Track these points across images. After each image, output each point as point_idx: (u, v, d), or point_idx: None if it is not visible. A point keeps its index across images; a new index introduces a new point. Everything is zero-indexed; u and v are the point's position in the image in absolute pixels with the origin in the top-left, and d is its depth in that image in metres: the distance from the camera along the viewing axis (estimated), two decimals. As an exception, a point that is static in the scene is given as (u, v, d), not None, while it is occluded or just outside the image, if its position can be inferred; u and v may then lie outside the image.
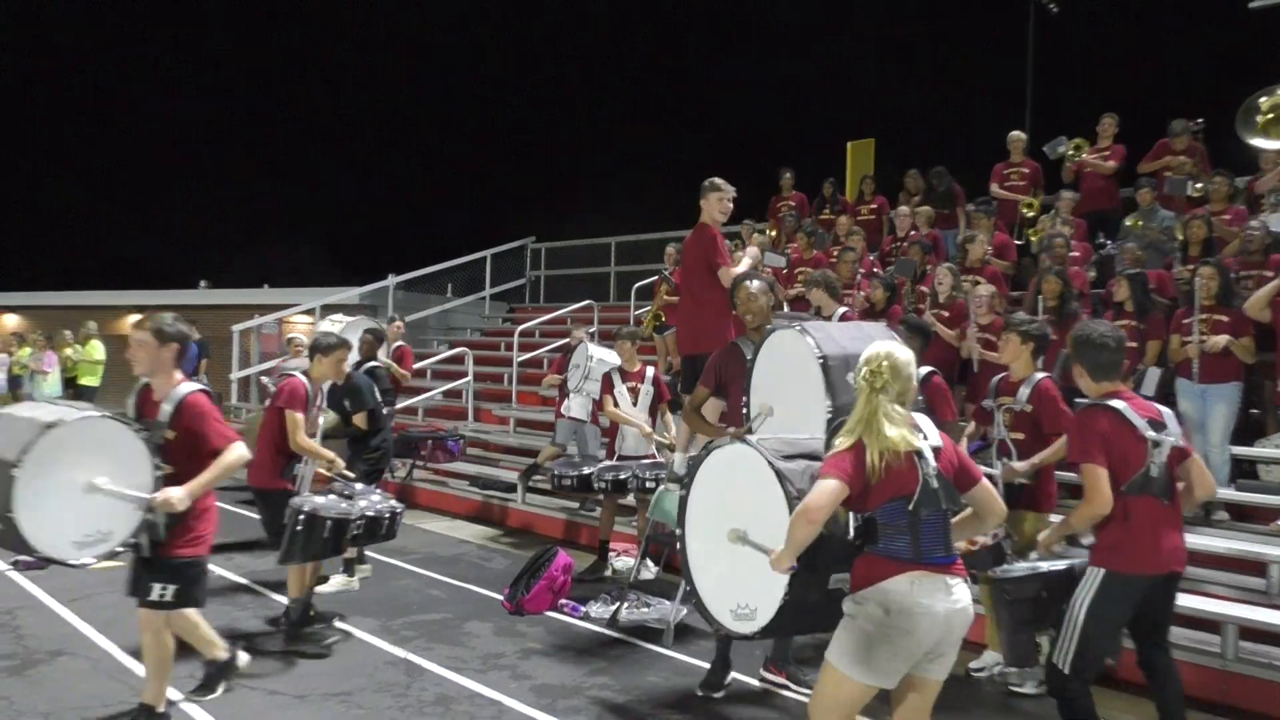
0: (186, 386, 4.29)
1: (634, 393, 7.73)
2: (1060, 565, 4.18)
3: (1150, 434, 3.93)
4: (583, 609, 6.56)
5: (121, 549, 4.05)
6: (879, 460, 3.17)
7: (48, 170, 38.68)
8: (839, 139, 14.88)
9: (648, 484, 7.19)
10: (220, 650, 4.74)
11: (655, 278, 12.25)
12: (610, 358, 8.02)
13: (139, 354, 4.25)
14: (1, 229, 37.82)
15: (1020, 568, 4.29)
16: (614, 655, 5.74)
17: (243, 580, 7.15)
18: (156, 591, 4.19)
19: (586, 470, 7.64)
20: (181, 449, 4.18)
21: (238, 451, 4.24)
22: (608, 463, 7.58)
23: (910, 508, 3.18)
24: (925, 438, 3.30)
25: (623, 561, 7.80)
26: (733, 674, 5.17)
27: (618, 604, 6.41)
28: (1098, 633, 3.92)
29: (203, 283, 23.08)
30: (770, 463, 3.43)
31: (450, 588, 7.23)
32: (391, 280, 15.70)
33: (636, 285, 14.01)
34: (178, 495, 4.03)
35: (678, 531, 3.90)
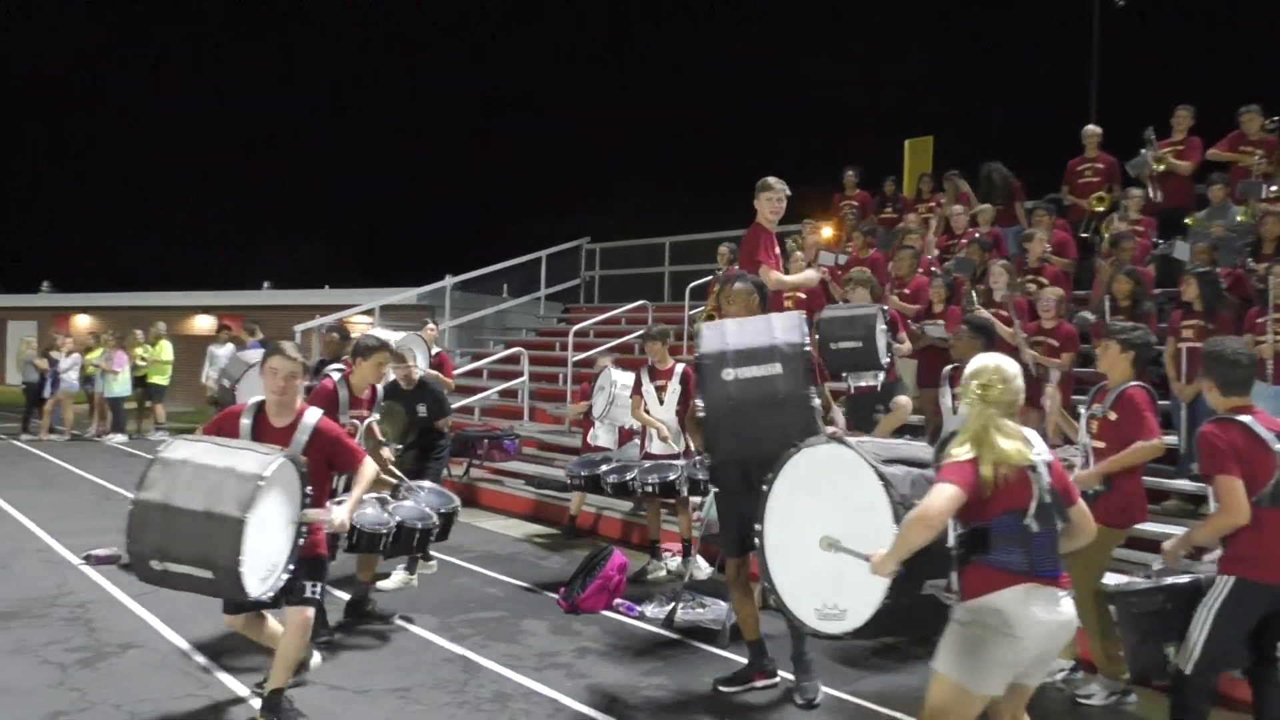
0: (313, 414, 4.53)
1: (661, 391, 7.69)
2: (1184, 579, 4.18)
3: (1278, 446, 3.97)
4: (638, 609, 6.56)
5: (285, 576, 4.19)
6: (994, 473, 3.20)
7: (119, 175, 39.77)
8: (900, 137, 14.73)
9: (646, 488, 7.22)
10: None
11: (710, 278, 12.23)
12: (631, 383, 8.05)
13: (289, 385, 4.46)
14: (73, 232, 38.97)
15: (1143, 581, 4.29)
16: (669, 656, 5.74)
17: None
18: (309, 590, 4.43)
19: (598, 470, 7.71)
20: (314, 472, 4.35)
21: (372, 466, 4.69)
22: (616, 464, 7.63)
23: (1025, 521, 3.21)
24: (1037, 451, 3.32)
25: (676, 561, 7.80)
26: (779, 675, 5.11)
27: (673, 604, 6.41)
28: (1222, 638, 3.97)
29: (266, 283, 23.55)
30: (873, 466, 3.42)
31: (507, 586, 7.29)
32: (449, 281, 15.86)
33: (691, 285, 13.99)
34: (341, 518, 4.41)
35: (756, 527, 3.88)
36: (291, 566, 4.17)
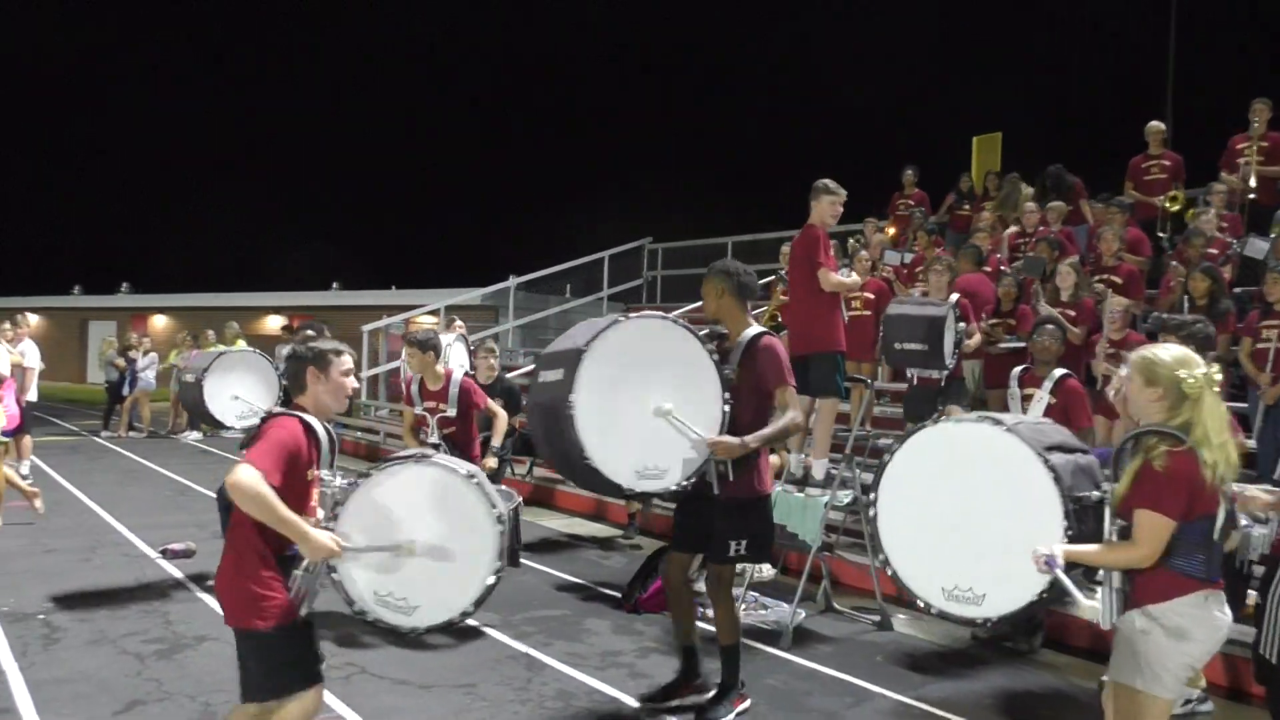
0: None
1: None
2: None
3: None
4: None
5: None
6: (1213, 475, 3.04)
7: (195, 180, 40.86)
8: (964, 134, 14.50)
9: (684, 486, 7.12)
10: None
11: (771, 278, 12.15)
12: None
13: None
14: (151, 235, 40.13)
15: None
16: (731, 657, 5.71)
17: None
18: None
19: None
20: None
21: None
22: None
23: (1214, 528, 3.11)
24: None
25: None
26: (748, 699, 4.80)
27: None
28: None
29: (335, 284, 24.01)
30: (1042, 457, 3.28)
31: (569, 584, 7.33)
32: (512, 281, 16.00)
33: (753, 285, 13.89)
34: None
35: (869, 497, 3.81)
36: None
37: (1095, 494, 3.31)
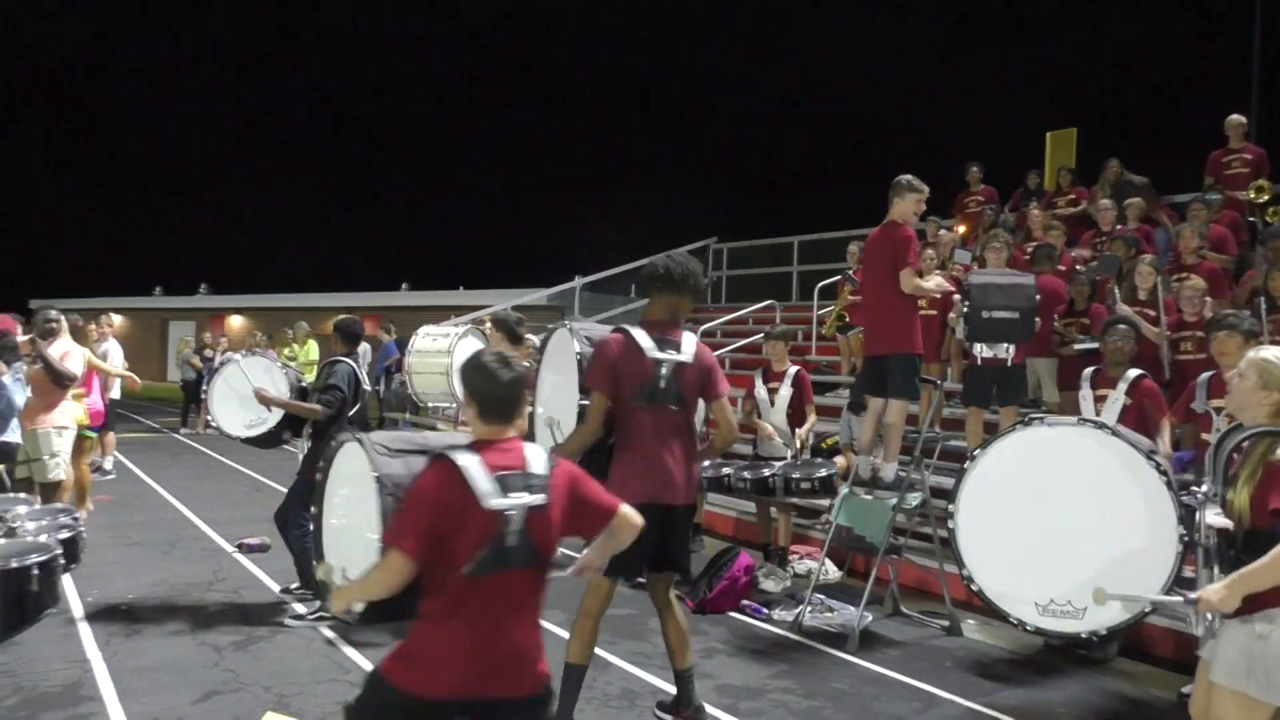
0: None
1: (773, 393, 7.64)
2: None
3: None
4: (765, 610, 6.51)
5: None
6: None
7: (272, 184, 41.88)
8: (1036, 129, 14.20)
9: (740, 484, 7.08)
10: None
11: (838, 277, 12.04)
12: None
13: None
14: (229, 238, 41.21)
15: None
16: (796, 659, 5.68)
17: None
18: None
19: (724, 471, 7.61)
20: None
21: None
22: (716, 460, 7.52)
23: None
24: None
25: (804, 564, 7.71)
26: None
27: (801, 607, 6.34)
28: None
29: (404, 285, 24.40)
30: (1151, 460, 3.19)
31: (634, 584, 7.32)
32: (578, 281, 16.09)
33: (819, 285, 13.80)
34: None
35: (947, 507, 3.67)
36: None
37: (1199, 493, 3.19)
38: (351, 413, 6.24)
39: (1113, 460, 3.22)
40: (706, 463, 7.53)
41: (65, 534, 4.56)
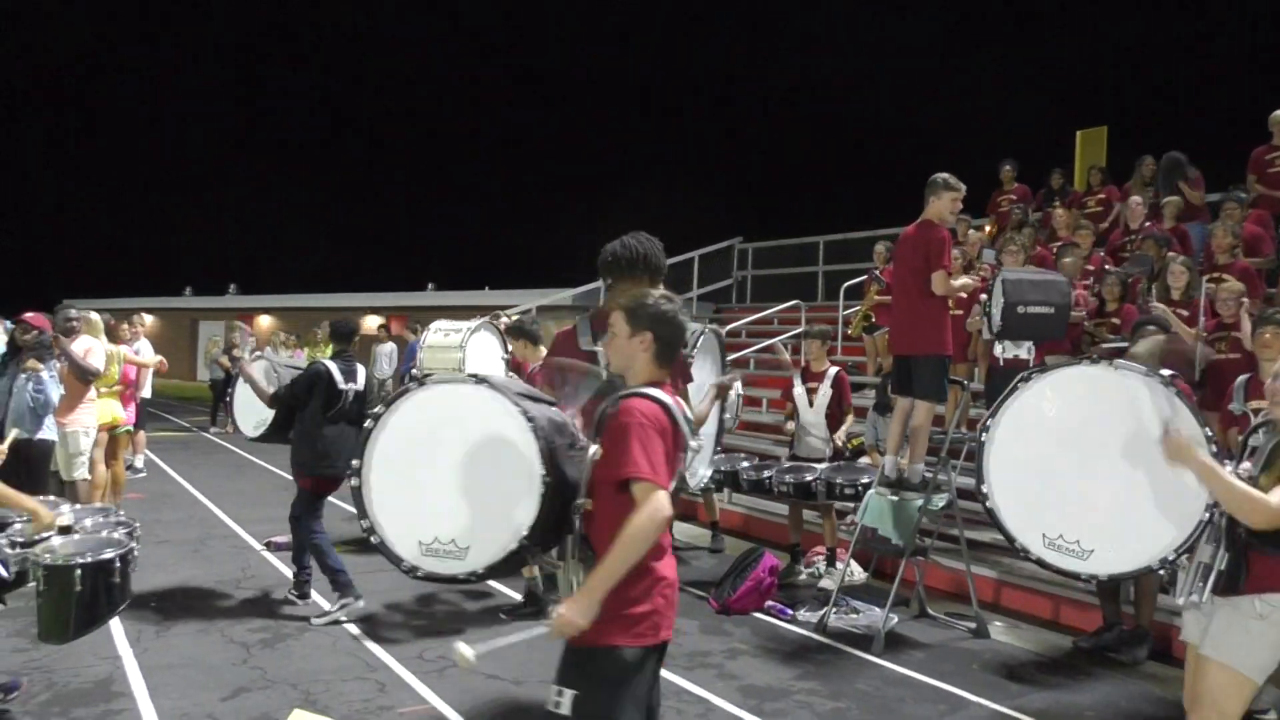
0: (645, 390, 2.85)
1: (812, 393, 7.60)
2: None
3: None
4: (790, 611, 6.50)
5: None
6: None
7: (300, 184, 42.26)
8: (1065, 129, 14.06)
9: (782, 487, 7.09)
10: None
11: (864, 277, 11.98)
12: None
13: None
14: (258, 238, 41.59)
15: None
16: (821, 660, 5.66)
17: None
18: None
19: (738, 466, 7.69)
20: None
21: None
22: (757, 462, 7.54)
23: None
24: None
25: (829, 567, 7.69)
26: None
27: (826, 609, 6.31)
28: None
29: (430, 285, 24.54)
30: (1190, 406, 3.32)
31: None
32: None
33: (845, 285, 13.75)
34: (572, 611, 2.67)
35: (988, 420, 3.69)
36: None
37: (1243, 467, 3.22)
38: (333, 411, 6.28)
39: (1151, 406, 3.22)
40: (745, 463, 7.54)
41: (125, 531, 4.67)
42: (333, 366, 6.35)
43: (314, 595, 6.41)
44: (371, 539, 3.33)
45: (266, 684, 4.98)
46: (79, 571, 4.14)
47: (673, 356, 2.88)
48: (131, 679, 4.98)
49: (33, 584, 4.14)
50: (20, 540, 4.28)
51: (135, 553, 4.53)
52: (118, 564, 4.31)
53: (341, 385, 6.32)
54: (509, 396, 3.12)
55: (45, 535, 4.29)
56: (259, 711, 4.61)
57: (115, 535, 4.50)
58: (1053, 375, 3.50)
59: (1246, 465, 3.25)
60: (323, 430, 6.25)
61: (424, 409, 3.25)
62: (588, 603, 2.59)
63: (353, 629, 5.88)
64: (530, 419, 3.03)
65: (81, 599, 4.15)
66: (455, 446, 3.12)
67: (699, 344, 4.74)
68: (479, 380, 3.22)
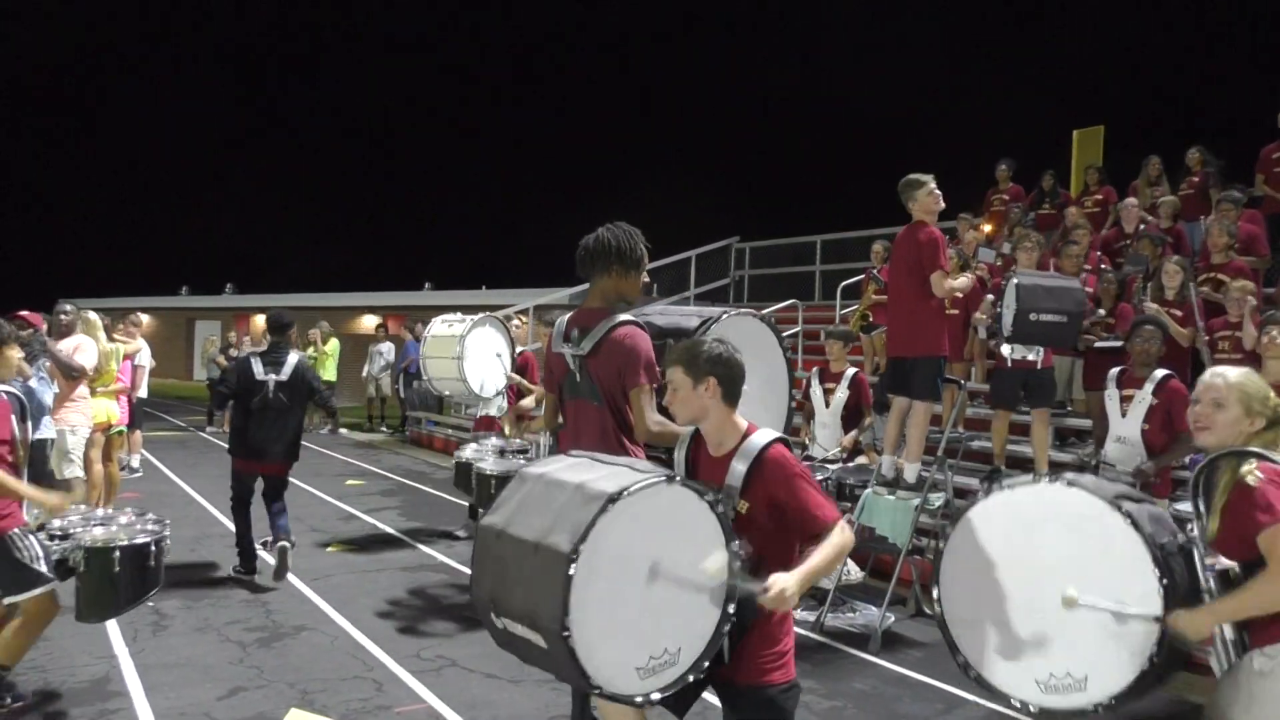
0: (764, 436, 2.93)
1: (829, 394, 7.52)
2: None
3: None
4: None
5: (692, 678, 2.72)
6: None
7: (294, 187, 42.24)
8: (1061, 128, 14.08)
9: None
10: None
11: (862, 276, 11.99)
12: None
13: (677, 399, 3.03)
14: (254, 238, 41.56)
15: None
16: (819, 659, 5.66)
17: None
18: None
19: None
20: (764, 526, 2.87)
21: (844, 536, 2.82)
22: None
23: None
24: None
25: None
26: None
27: (822, 608, 6.32)
28: None
29: (427, 285, 24.53)
30: (1115, 506, 2.93)
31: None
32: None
33: (843, 284, 13.76)
34: (789, 582, 2.65)
35: (934, 593, 3.30)
36: (706, 664, 2.73)
37: (1179, 539, 2.95)
38: (254, 399, 6.84)
39: (1078, 512, 2.98)
40: None
41: (157, 523, 4.99)
42: (254, 359, 6.93)
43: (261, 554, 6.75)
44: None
45: (264, 683, 4.97)
46: (118, 553, 4.55)
47: (737, 394, 2.95)
48: (128, 678, 4.97)
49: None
50: (59, 534, 4.64)
51: (168, 541, 4.88)
52: (153, 548, 4.70)
53: (260, 376, 6.86)
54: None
55: (72, 518, 4.80)
56: (256, 710, 4.61)
57: (150, 525, 4.91)
58: (962, 523, 3.22)
59: (1185, 505, 2.97)
60: (243, 418, 6.90)
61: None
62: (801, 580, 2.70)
63: (351, 629, 5.88)
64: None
65: (120, 579, 4.56)
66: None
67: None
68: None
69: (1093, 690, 2.94)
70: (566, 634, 2.47)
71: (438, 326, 8.20)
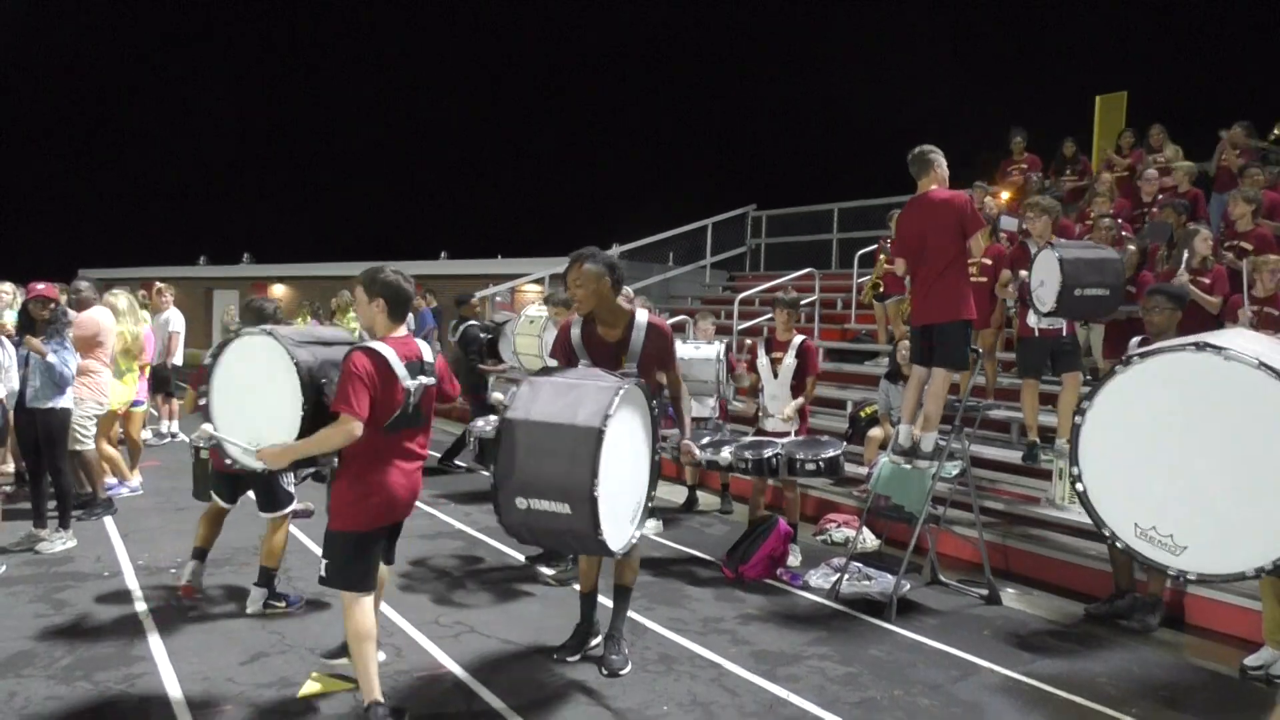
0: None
1: (776, 364, 7.39)
2: None
3: None
4: (802, 578, 6.53)
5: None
6: None
7: (315, 154, 42.25)
8: (1083, 94, 13.89)
9: (741, 464, 6.84)
10: None
11: (877, 245, 11.92)
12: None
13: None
14: (272, 207, 41.63)
15: None
16: (835, 626, 5.69)
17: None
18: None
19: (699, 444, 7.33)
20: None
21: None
22: (716, 438, 7.29)
23: None
24: None
25: (841, 533, 7.71)
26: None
27: (839, 575, 6.34)
28: None
29: (443, 253, 24.52)
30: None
31: (671, 550, 7.38)
32: (615, 250, 16.05)
33: (860, 253, 13.67)
34: (271, 451, 4.01)
35: (1083, 403, 3.39)
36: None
37: None
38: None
39: (1267, 401, 2.95)
40: (705, 439, 7.19)
41: None
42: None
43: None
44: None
45: (285, 648, 5.04)
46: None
47: (403, 313, 4.09)
48: (152, 643, 5.05)
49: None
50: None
51: None
52: None
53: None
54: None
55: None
56: (277, 675, 4.68)
57: None
58: (1155, 360, 3.23)
59: None
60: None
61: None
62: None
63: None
64: None
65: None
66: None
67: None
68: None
69: (1184, 560, 3.06)
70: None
71: (532, 310, 8.75)
